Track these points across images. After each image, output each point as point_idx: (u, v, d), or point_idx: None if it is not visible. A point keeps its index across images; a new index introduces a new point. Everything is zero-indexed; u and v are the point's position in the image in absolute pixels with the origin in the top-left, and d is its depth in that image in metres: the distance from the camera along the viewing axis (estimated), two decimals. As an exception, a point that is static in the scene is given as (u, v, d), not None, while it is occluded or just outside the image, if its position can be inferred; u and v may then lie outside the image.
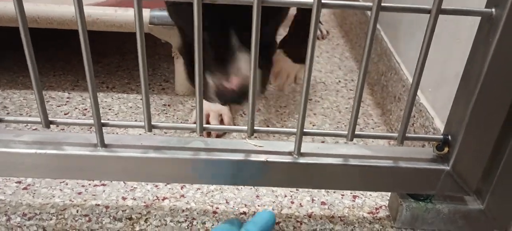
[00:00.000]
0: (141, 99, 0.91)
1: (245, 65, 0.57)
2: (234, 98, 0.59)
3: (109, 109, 0.87)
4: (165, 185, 0.65)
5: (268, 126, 0.85)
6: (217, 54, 0.58)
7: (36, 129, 0.76)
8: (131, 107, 0.88)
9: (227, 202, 0.63)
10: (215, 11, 0.53)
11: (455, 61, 0.63)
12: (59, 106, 0.87)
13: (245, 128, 0.50)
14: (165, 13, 0.84)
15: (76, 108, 0.87)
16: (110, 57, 1.09)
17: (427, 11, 0.43)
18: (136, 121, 0.82)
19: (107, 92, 0.94)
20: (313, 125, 0.86)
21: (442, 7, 0.42)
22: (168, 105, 0.90)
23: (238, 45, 0.57)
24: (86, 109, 0.87)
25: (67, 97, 0.90)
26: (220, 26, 0.57)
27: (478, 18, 0.47)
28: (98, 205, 0.61)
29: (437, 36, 0.68)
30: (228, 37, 0.57)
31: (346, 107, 0.94)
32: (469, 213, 0.57)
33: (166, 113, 0.87)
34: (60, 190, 0.63)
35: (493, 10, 0.43)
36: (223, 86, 0.57)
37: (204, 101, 0.71)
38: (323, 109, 0.93)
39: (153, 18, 0.84)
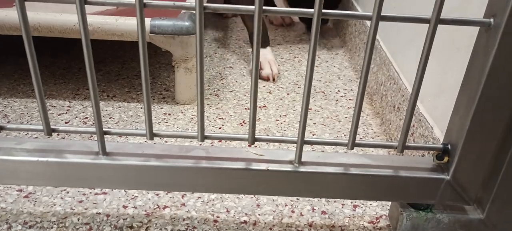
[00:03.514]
0: (141, 108, 0.91)
1: None
2: None
3: (110, 118, 0.87)
4: (166, 194, 0.65)
5: (268, 135, 0.85)
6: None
7: (36, 137, 0.76)
8: (131, 116, 0.89)
9: (227, 211, 0.63)
10: None
11: (454, 71, 0.64)
12: (60, 115, 0.87)
13: (246, 136, 0.51)
14: (165, 22, 0.85)
15: (76, 116, 0.87)
16: (111, 66, 1.10)
17: (427, 21, 0.43)
18: (136, 129, 0.82)
19: (108, 100, 0.94)
20: (313, 134, 0.87)
21: (441, 17, 0.43)
22: (169, 114, 0.91)
23: None
24: (86, 118, 0.87)
25: (68, 106, 0.91)
26: None
27: (477, 28, 0.47)
28: (99, 213, 0.61)
29: (436, 46, 0.69)
30: None
31: (346, 117, 0.94)
32: (470, 222, 0.57)
33: (167, 122, 0.87)
34: (61, 198, 0.63)
35: (492, 20, 0.44)
36: None
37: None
38: (322, 119, 0.93)
39: (154, 27, 0.85)
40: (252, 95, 0.47)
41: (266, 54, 1.12)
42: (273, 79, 1.09)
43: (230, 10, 0.44)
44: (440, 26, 0.43)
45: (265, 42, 1.15)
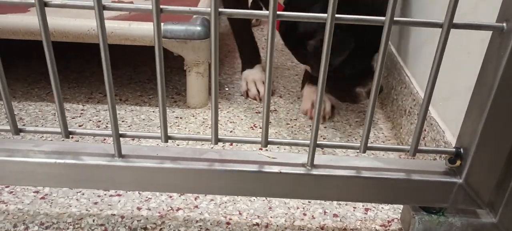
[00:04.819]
0: (153, 111, 0.92)
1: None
2: None
3: (123, 121, 0.89)
4: (179, 196, 0.66)
5: (279, 139, 0.86)
6: (365, 72, 0.85)
7: (51, 139, 0.77)
8: (144, 119, 0.90)
9: (240, 213, 0.64)
10: (360, 40, 0.78)
11: (465, 75, 0.64)
12: (74, 118, 0.89)
13: (259, 139, 0.51)
14: (178, 27, 0.86)
15: (90, 120, 0.88)
16: (123, 70, 1.11)
17: (439, 26, 0.44)
18: (150, 132, 0.83)
19: (120, 104, 0.95)
20: (324, 138, 0.87)
21: (454, 21, 0.43)
22: (180, 117, 0.91)
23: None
24: (99, 121, 0.88)
25: (81, 110, 0.92)
26: (366, 51, 0.82)
27: (489, 32, 0.47)
28: (114, 214, 0.62)
29: (447, 50, 0.69)
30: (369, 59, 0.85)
31: (356, 121, 0.94)
32: (482, 226, 0.57)
33: (179, 126, 0.88)
34: (77, 199, 0.64)
35: (504, 24, 0.44)
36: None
37: (248, 73, 1.05)
38: (333, 123, 0.93)
39: (166, 32, 0.86)
40: (266, 100, 0.48)
41: (254, 74, 1.05)
42: (260, 100, 1.02)
43: (244, 15, 0.45)
44: (452, 30, 0.43)
45: (253, 61, 1.07)
